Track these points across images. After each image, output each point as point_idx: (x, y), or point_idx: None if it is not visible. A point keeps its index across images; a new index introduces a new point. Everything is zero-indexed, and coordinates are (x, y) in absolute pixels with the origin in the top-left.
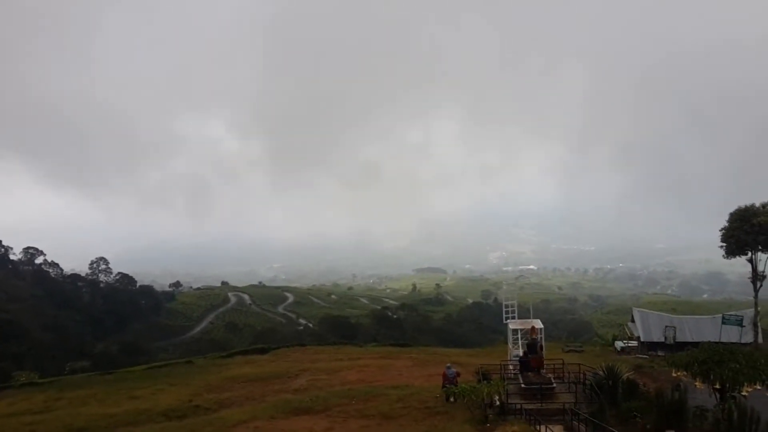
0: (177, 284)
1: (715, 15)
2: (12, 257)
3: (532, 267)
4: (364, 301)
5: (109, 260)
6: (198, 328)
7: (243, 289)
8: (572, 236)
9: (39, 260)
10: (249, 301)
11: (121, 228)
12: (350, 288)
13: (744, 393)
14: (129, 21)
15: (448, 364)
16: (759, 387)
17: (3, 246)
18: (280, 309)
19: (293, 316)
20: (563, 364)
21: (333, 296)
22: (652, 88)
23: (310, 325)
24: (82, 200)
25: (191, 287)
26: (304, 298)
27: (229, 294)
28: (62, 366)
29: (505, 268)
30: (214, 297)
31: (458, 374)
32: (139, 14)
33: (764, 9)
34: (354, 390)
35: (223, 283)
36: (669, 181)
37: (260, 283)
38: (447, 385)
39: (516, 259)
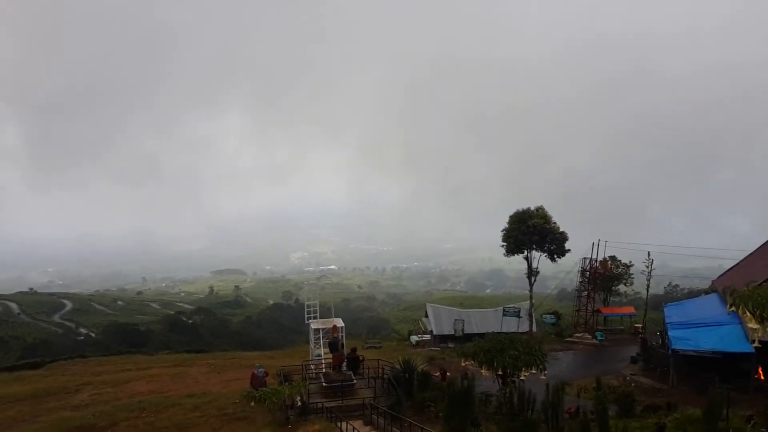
0: None
1: (503, 26)
2: None
3: (333, 267)
4: (156, 306)
5: None
6: None
7: (9, 297)
8: (370, 237)
9: None
10: (17, 311)
11: None
12: (139, 293)
13: (522, 377)
14: None
15: (257, 365)
16: (534, 371)
17: None
18: (56, 318)
19: (72, 325)
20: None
21: (119, 302)
22: (431, 95)
23: (93, 334)
24: None
25: None
26: (85, 305)
27: None
28: None
29: (306, 269)
30: None
31: (266, 373)
32: None
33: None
34: (144, 402)
35: None
36: (451, 185)
37: (31, 289)
38: (256, 387)
39: (317, 260)
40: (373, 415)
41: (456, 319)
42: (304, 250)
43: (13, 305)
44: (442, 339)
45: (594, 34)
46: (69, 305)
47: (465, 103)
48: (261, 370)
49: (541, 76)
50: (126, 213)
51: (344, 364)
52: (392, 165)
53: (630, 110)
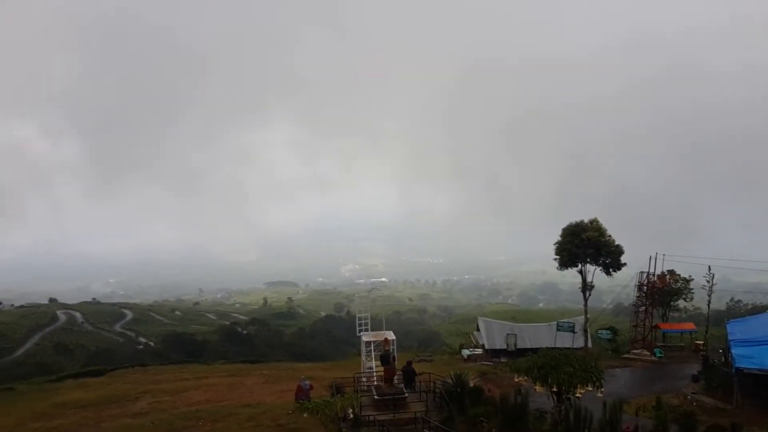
0: None
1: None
2: None
3: (383, 279)
4: (212, 316)
5: None
6: (21, 351)
7: (74, 307)
8: (421, 249)
9: None
10: (81, 320)
11: None
12: (196, 303)
13: (578, 395)
14: None
15: (303, 377)
16: (590, 388)
17: None
18: (118, 327)
19: (132, 334)
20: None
21: (177, 312)
22: (476, 102)
23: (152, 343)
24: None
25: (12, 305)
26: (144, 315)
27: (58, 312)
28: None
29: (357, 281)
30: (40, 315)
31: (312, 386)
32: None
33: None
34: (201, 411)
35: (51, 300)
36: (499, 195)
37: (94, 299)
38: (302, 399)
39: (368, 272)
40: (425, 430)
41: (508, 334)
42: (354, 262)
43: (78, 314)
44: (494, 353)
45: (640, 30)
46: (129, 315)
47: (510, 107)
48: (307, 382)
49: (588, 76)
50: (179, 225)
51: (397, 377)
52: (439, 174)
53: (677, 110)
